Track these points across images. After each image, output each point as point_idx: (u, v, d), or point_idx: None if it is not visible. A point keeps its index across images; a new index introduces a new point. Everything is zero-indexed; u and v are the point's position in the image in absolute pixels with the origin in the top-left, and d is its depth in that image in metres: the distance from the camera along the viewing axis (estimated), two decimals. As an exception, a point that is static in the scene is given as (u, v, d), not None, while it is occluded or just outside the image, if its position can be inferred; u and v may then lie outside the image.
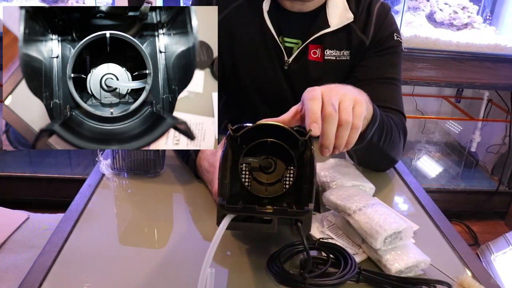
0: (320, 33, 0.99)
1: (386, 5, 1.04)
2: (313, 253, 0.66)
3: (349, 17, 1.00)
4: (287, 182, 0.63)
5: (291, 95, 1.06)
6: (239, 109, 1.14)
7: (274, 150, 0.63)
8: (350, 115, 0.65)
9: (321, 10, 1.00)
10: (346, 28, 1.01)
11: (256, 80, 1.07)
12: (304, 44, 1.01)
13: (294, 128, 0.61)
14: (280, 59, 1.03)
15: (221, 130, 0.81)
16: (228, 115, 1.15)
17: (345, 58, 1.03)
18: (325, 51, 1.02)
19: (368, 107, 0.80)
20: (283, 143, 0.62)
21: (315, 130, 0.63)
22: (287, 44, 1.03)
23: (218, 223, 0.56)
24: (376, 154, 0.90)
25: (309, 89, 0.67)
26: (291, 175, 0.63)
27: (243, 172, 0.63)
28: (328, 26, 1.00)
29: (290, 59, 1.02)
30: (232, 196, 0.61)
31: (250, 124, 0.62)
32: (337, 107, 0.65)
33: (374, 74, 1.00)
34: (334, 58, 1.03)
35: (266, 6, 1.00)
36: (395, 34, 1.02)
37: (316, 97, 0.65)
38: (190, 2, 1.12)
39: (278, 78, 1.04)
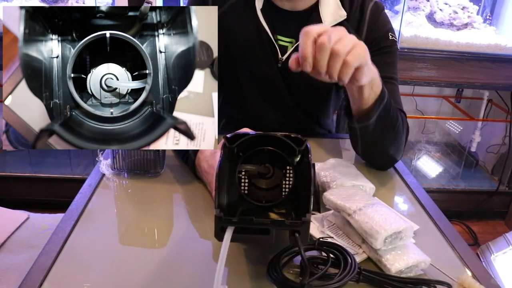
0: None
1: (380, 5, 1.04)
2: (313, 253, 0.66)
3: (342, 14, 1.00)
4: (286, 187, 0.63)
5: (287, 92, 1.07)
6: (238, 107, 1.14)
7: (271, 156, 0.62)
8: (345, 48, 0.63)
9: (314, 9, 1.01)
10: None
11: (253, 76, 1.07)
12: (297, 43, 1.02)
13: (292, 136, 0.60)
14: (275, 57, 1.03)
15: (220, 129, 0.81)
16: (227, 114, 1.15)
17: None
18: None
19: (377, 81, 0.78)
20: (280, 151, 0.61)
21: (305, 66, 0.61)
22: (281, 43, 1.04)
23: (216, 235, 0.55)
24: (381, 142, 0.91)
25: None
26: (290, 180, 0.63)
27: (242, 180, 0.62)
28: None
29: (284, 57, 1.03)
30: (230, 204, 0.60)
31: (246, 131, 0.61)
32: (333, 41, 0.62)
33: None
34: None
35: (258, 4, 1.00)
36: (389, 33, 1.02)
37: (308, 32, 0.63)
38: (187, 2, 1.12)
39: (274, 75, 1.05)
